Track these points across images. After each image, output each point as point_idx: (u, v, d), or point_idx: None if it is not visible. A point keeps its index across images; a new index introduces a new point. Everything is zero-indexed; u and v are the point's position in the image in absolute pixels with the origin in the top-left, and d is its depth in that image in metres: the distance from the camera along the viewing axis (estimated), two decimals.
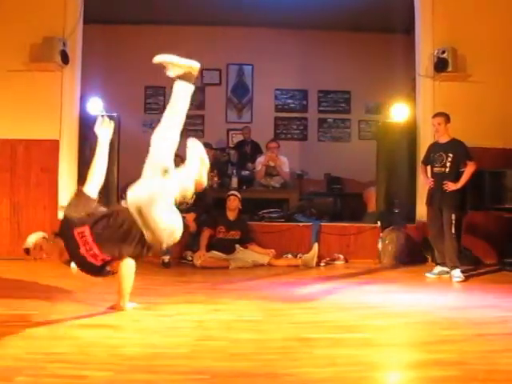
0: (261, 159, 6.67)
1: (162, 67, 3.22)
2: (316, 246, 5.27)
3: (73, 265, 3.19)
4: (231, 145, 8.09)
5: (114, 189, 5.73)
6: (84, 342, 2.40)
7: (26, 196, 5.59)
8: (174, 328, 2.70)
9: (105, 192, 5.62)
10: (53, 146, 5.62)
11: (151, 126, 8.25)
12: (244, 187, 6.43)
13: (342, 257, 5.47)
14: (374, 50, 7.71)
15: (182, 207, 5.42)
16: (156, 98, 8.37)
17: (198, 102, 8.41)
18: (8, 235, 5.52)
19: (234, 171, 6.64)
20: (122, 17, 7.41)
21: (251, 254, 5.22)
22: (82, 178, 5.59)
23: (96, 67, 6.62)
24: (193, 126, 8.36)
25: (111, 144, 5.68)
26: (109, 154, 5.62)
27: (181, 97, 3.04)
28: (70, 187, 5.64)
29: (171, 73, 3.07)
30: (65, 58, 5.51)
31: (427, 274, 4.63)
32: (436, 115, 4.77)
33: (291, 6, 7.09)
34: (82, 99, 5.86)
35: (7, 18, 5.54)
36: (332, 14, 7.15)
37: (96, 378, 1.96)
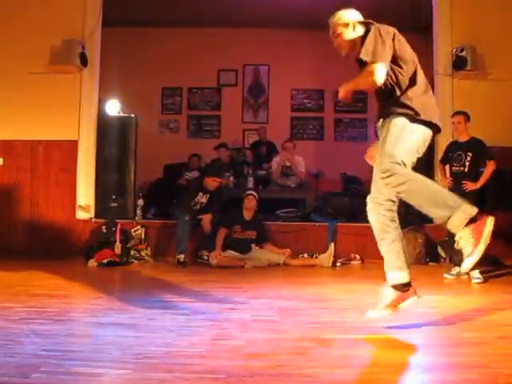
0: (277, 159, 6.67)
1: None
2: (332, 245, 5.24)
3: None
4: (247, 145, 8.10)
5: (131, 188, 5.79)
6: (100, 340, 2.43)
7: (45, 196, 5.69)
8: (190, 327, 2.71)
9: (122, 191, 5.73)
10: (72, 147, 5.71)
11: (168, 126, 8.39)
12: (260, 187, 6.43)
13: (358, 257, 5.44)
14: None
15: (197, 207, 5.49)
16: (173, 98, 8.43)
17: (214, 102, 8.45)
18: (27, 234, 5.62)
19: (250, 171, 6.65)
20: (140, 19, 7.47)
21: (267, 254, 5.22)
22: (99, 177, 5.72)
23: (114, 69, 6.70)
24: (209, 127, 8.42)
25: (129, 144, 5.81)
26: (126, 154, 5.76)
27: None
28: (88, 187, 5.73)
29: None
30: (84, 61, 5.60)
31: (445, 275, 4.56)
32: (456, 114, 4.70)
33: (307, 7, 7.06)
34: (101, 100, 5.94)
35: (28, 22, 5.65)
36: None
37: (111, 375, 1.97)
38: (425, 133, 2.66)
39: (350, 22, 2.84)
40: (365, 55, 2.58)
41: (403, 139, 2.59)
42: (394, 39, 2.61)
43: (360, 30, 2.78)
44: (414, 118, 2.57)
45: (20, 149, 5.71)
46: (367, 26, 2.76)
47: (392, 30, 2.67)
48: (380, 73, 2.53)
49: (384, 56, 2.54)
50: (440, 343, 2.53)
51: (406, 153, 2.61)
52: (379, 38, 2.58)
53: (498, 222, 5.70)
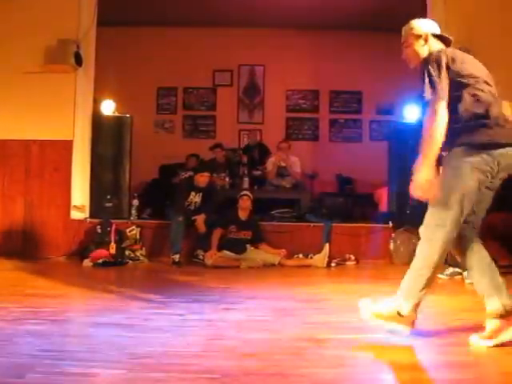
0: (272, 159, 6.69)
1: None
2: (327, 246, 5.26)
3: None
4: (242, 145, 8.11)
5: (126, 188, 5.78)
6: (95, 340, 2.43)
7: (39, 195, 5.67)
8: (185, 327, 2.72)
9: (117, 191, 5.73)
10: (66, 147, 5.69)
11: (163, 126, 8.39)
12: (255, 187, 6.44)
13: (353, 257, 5.45)
14: (386, 50, 7.65)
15: (192, 207, 5.49)
16: (168, 98, 8.43)
17: (209, 102, 8.46)
18: (21, 234, 5.60)
19: (246, 171, 6.66)
20: (135, 19, 7.47)
21: (262, 254, 5.23)
22: (94, 177, 5.71)
23: (109, 69, 6.69)
24: (205, 127, 8.42)
25: (123, 144, 5.80)
26: (121, 154, 5.75)
27: None
28: (83, 187, 5.71)
29: None
30: (78, 60, 5.58)
31: (439, 275, 4.59)
32: None
33: (302, 7, 7.08)
34: (96, 100, 5.93)
35: (22, 21, 5.62)
36: (343, 14, 7.14)
37: (107, 375, 1.97)
38: None
39: (422, 33, 2.63)
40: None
41: None
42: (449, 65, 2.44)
43: (434, 45, 2.61)
44: None
45: (14, 148, 5.68)
46: (444, 41, 2.63)
47: (449, 54, 2.49)
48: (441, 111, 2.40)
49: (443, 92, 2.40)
50: (433, 343, 2.55)
51: None
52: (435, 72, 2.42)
53: (495, 222, 5.76)
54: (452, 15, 5.63)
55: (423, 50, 2.62)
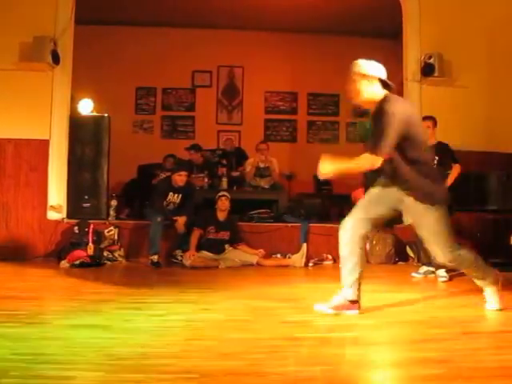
0: (250, 160, 6.71)
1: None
2: (305, 246, 5.33)
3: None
4: (221, 146, 8.10)
5: (104, 188, 5.73)
6: (73, 343, 2.39)
7: (14, 196, 5.58)
8: (164, 328, 2.72)
9: (95, 192, 5.67)
10: (42, 146, 5.61)
11: (142, 126, 8.33)
12: (234, 188, 6.46)
13: (330, 257, 5.52)
14: (362, 53, 7.74)
15: (171, 207, 5.48)
16: (147, 98, 8.38)
17: (188, 103, 8.44)
18: None
19: (224, 172, 6.67)
20: (114, 18, 7.41)
21: (240, 254, 5.26)
22: (71, 177, 5.64)
23: (87, 68, 6.62)
24: (183, 127, 8.40)
25: (101, 144, 5.75)
26: (99, 154, 5.70)
27: None
28: (60, 187, 5.64)
29: None
30: (55, 58, 5.51)
31: (413, 274, 4.70)
32: (425, 118, 4.85)
33: (281, 10, 7.14)
34: (73, 99, 5.86)
35: None
36: (321, 18, 7.23)
37: (85, 378, 1.95)
38: None
39: (368, 75, 2.85)
40: (372, 146, 2.80)
41: None
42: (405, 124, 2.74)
43: (377, 90, 2.86)
44: None
45: None
46: (386, 88, 2.85)
47: (408, 111, 2.81)
48: (378, 163, 2.80)
49: (388, 150, 2.76)
50: (408, 339, 2.61)
51: None
52: (391, 128, 2.71)
53: (463, 222, 5.92)
54: (426, 23, 5.78)
55: (366, 90, 2.86)
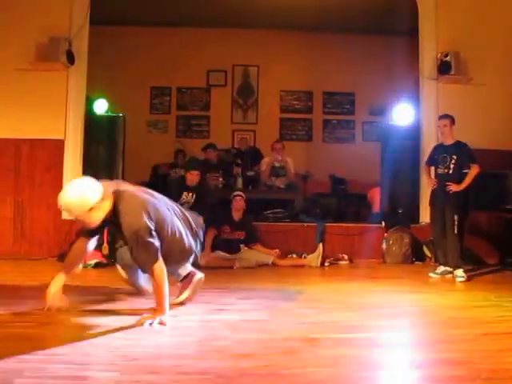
0: (266, 159, 6.67)
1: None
2: (320, 246, 5.27)
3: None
4: (236, 146, 8.09)
5: None
6: (86, 343, 2.38)
7: (29, 195, 5.62)
8: (179, 328, 2.70)
9: None
10: (58, 146, 5.64)
11: (156, 126, 8.35)
12: (249, 187, 6.43)
13: (346, 257, 5.47)
14: (378, 51, 7.72)
15: (185, 207, 5.45)
16: (161, 98, 8.40)
17: (203, 102, 8.44)
18: (11, 235, 5.54)
19: (239, 172, 6.64)
20: (129, 18, 7.44)
21: (256, 254, 5.22)
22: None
23: (102, 67, 6.66)
24: (198, 127, 8.40)
25: (116, 144, 5.77)
26: (114, 154, 5.72)
27: None
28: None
29: None
30: (71, 58, 5.54)
31: (431, 274, 4.62)
32: (442, 117, 4.77)
33: (296, 8, 7.09)
34: (88, 99, 5.88)
35: (14, 18, 5.58)
36: (337, 16, 7.17)
37: (99, 378, 1.94)
38: None
39: (93, 206, 2.70)
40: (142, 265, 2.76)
41: None
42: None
43: (106, 205, 2.73)
44: None
45: (3, 147, 5.61)
46: (112, 196, 2.74)
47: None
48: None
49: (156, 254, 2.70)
50: (426, 340, 2.57)
51: None
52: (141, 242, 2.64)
53: (481, 222, 5.84)
54: (443, 20, 5.71)
55: (102, 216, 2.74)
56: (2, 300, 3.24)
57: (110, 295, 3.46)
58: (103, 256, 5.00)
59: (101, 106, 5.86)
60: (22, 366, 2.01)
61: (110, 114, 5.91)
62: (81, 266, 4.80)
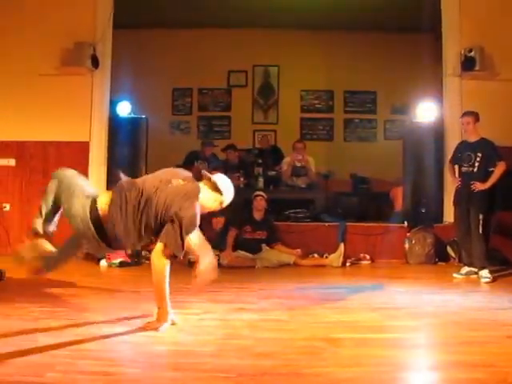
0: (287, 159, 6.68)
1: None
2: (342, 245, 5.25)
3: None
4: (257, 145, 8.10)
5: None
6: (112, 340, 2.45)
7: None
8: (200, 326, 2.74)
9: None
10: (83, 148, 5.77)
11: (179, 127, 8.44)
12: (271, 187, 6.45)
13: (368, 257, 5.43)
14: (400, 49, 7.63)
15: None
16: (183, 99, 8.48)
17: (224, 103, 8.49)
18: None
19: (260, 172, 6.66)
20: (150, 21, 7.52)
21: (277, 254, 5.23)
22: (111, 179, 5.76)
23: (125, 71, 6.75)
24: (219, 128, 8.45)
25: (139, 145, 5.85)
26: (137, 155, 5.80)
27: None
28: (100, 188, 5.78)
29: None
30: (95, 63, 5.66)
31: (455, 275, 4.56)
32: (465, 114, 4.68)
33: (316, 7, 7.06)
34: (112, 102, 5.99)
35: (39, 24, 5.72)
36: (357, 14, 7.10)
37: (123, 374, 2.00)
38: None
39: None
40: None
41: None
42: None
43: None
44: None
45: (32, 150, 5.77)
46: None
47: None
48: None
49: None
50: (448, 342, 2.54)
51: None
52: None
53: (508, 221, 5.69)
54: (466, 16, 5.59)
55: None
56: (32, 298, 3.32)
57: (134, 294, 3.53)
58: (127, 255, 5.09)
59: (124, 108, 5.96)
60: (53, 361, 2.10)
61: (133, 115, 6.00)
62: (106, 265, 4.95)
